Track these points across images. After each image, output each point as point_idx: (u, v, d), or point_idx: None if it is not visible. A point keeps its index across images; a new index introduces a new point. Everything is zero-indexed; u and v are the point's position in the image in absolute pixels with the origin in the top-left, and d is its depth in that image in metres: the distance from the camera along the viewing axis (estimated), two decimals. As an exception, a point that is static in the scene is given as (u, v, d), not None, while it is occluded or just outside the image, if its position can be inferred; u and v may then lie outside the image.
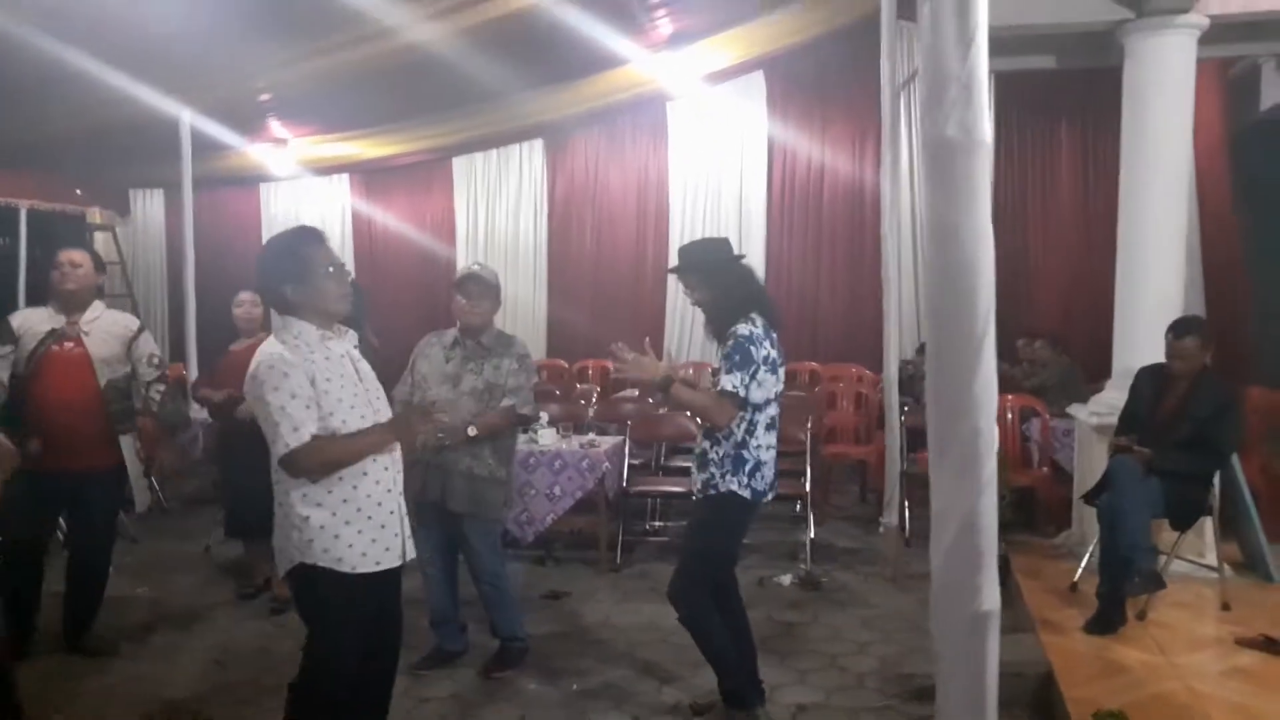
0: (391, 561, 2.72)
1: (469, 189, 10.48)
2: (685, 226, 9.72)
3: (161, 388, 4.22)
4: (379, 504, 2.69)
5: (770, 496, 3.42)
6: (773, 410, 3.36)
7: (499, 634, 4.05)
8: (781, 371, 3.39)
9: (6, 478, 2.85)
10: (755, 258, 9.40)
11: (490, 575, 3.94)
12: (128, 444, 4.12)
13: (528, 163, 10.32)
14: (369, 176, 10.69)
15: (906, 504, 5.57)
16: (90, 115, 7.52)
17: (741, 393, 3.22)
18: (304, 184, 10.71)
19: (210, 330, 8.02)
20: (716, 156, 9.58)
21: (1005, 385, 7.30)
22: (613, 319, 9.72)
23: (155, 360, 4.24)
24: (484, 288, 3.94)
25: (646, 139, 9.89)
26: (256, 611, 4.83)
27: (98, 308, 4.13)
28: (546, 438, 5.51)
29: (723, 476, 3.31)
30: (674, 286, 9.79)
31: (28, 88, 6.70)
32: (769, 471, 3.38)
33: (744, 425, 3.30)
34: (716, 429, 3.30)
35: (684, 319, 9.78)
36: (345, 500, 2.63)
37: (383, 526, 2.69)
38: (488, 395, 3.86)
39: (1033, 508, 6.09)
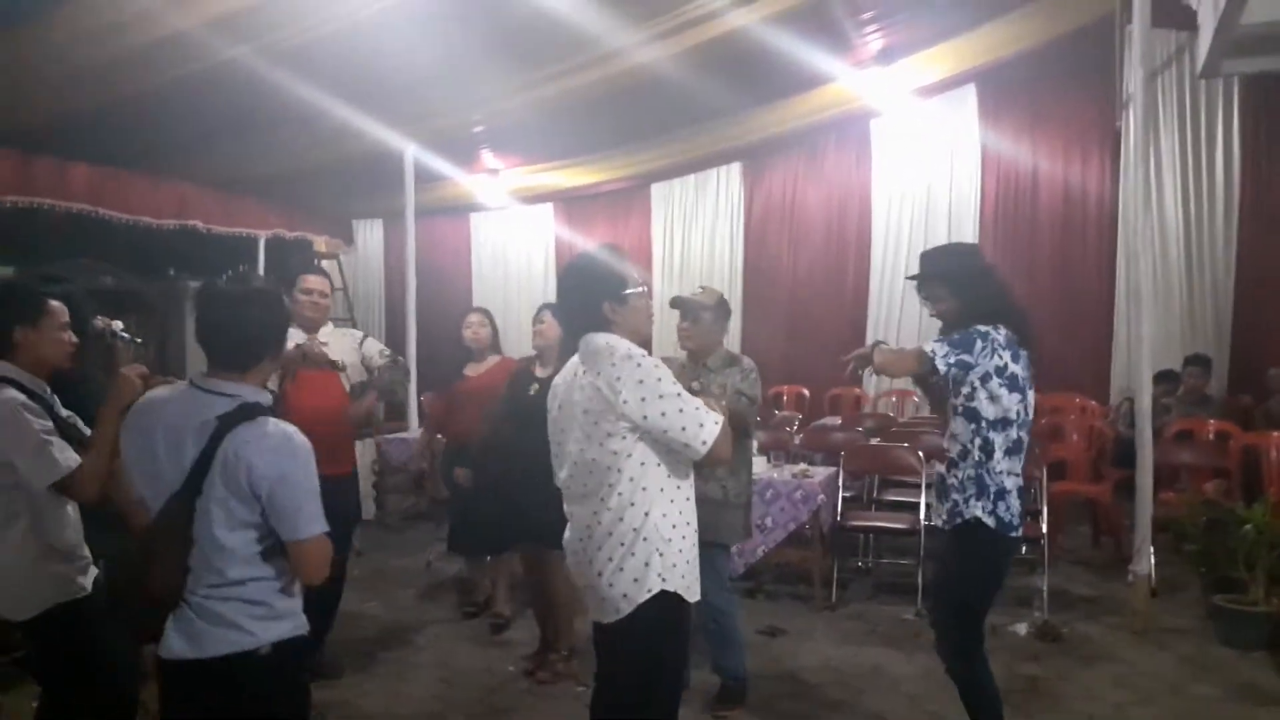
0: (698, 595, 2.62)
1: (666, 213, 10.57)
2: (889, 247, 9.43)
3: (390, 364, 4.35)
4: (695, 539, 2.61)
5: (1018, 531, 3.12)
6: (1014, 434, 3.08)
7: (721, 672, 3.93)
8: (1031, 395, 3.11)
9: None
10: (966, 280, 8.97)
11: (716, 611, 3.81)
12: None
13: (725, 185, 10.29)
14: (571, 204, 10.95)
15: (1153, 550, 5.07)
16: (322, 150, 8.04)
17: (938, 362, 2.98)
18: (511, 213, 11.11)
19: (425, 350, 8.45)
20: (924, 173, 9.22)
21: (1261, 421, 6.68)
22: (810, 343, 9.52)
23: (385, 353, 4.40)
24: (694, 309, 3.86)
25: (849, 157, 9.66)
26: (477, 630, 4.94)
27: (329, 326, 4.36)
28: (757, 466, 5.37)
29: (966, 502, 3.07)
30: (876, 309, 9.51)
31: (266, 123, 7.23)
32: (1014, 502, 3.09)
33: (979, 443, 3.06)
34: (888, 373, 3.06)
35: (885, 340, 9.41)
36: (691, 525, 2.56)
37: (697, 557, 2.61)
38: None
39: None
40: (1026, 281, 8.81)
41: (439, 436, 6.04)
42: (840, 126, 9.46)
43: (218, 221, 8.51)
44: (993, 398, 3.04)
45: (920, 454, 5.53)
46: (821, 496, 5.18)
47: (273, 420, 2.12)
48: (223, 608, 2.08)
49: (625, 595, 2.47)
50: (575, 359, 2.67)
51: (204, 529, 2.06)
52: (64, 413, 2.83)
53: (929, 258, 3.35)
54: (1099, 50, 8.25)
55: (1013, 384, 3.05)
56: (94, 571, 2.80)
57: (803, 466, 5.48)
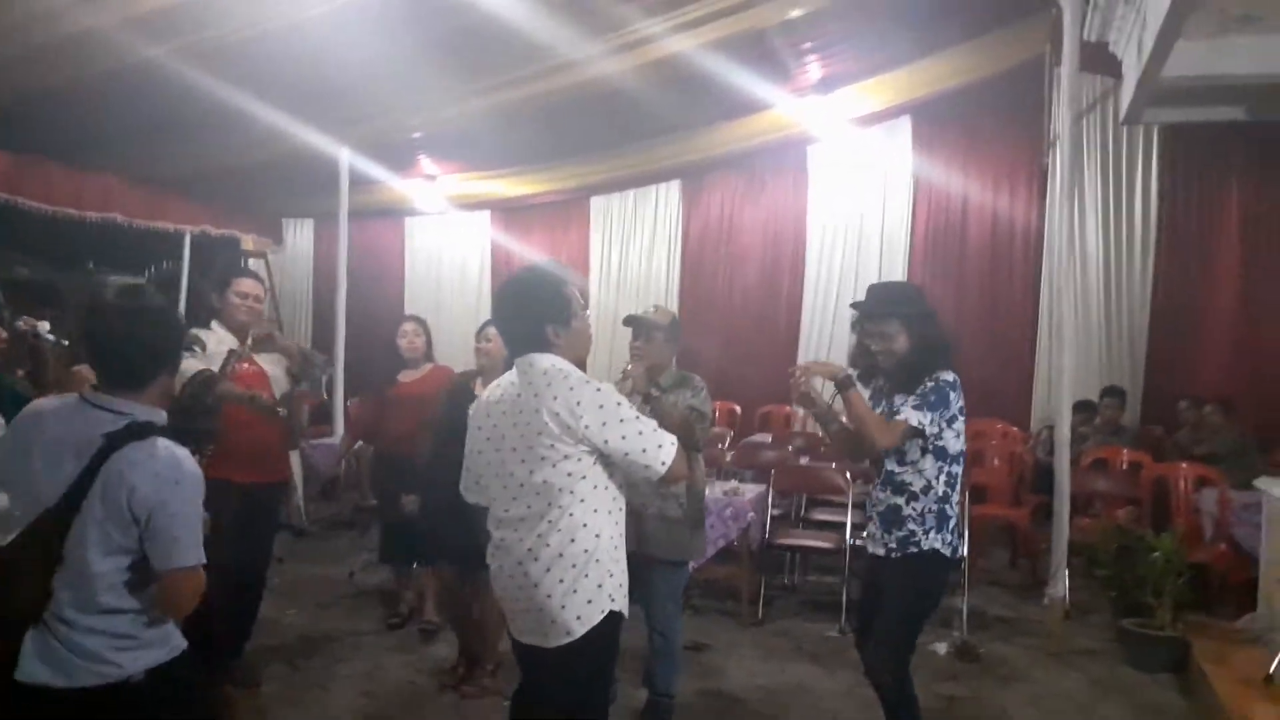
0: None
1: (605, 227, 10.59)
2: (822, 270, 9.60)
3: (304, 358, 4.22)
4: (616, 546, 2.59)
5: (961, 556, 3.22)
6: (963, 464, 3.20)
7: (654, 687, 3.93)
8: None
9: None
10: (895, 305, 9.17)
11: (665, 625, 3.82)
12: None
13: (664, 203, 10.35)
14: (509, 213, 10.91)
15: (1068, 574, 5.24)
16: (253, 149, 7.87)
17: (928, 430, 3.05)
18: (446, 219, 11.01)
19: (353, 354, 8.31)
20: (858, 200, 9.41)
21: (1172, 452, 6.95)
22: (743, 361, 9.61)
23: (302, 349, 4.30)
24: (647, 328, 3.87)
25: (785, 181, 9.80)
26: (402, 641, 4.86)
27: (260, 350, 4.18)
28: (689, 483, 5.41)
29: (925, 533, 3.12)
30: (808, 329, 9.66)
31: (196, 122, 7.05)
32: (960, 528, 3.20)
33: (944, 478, 3.12)
34: (871, 450, 3.12)
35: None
36: (614, 540, 2.55)
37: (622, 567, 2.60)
38: None
39: (1206, 587, 5.64)
40: (954, 309, 9.04)
41: (360, 443, 5.94)
42: (778, 151, 9.60)
43: (142, 215, 8.29)
44: (957, 435, 3.13)
45: (848, 474, 5.62)
46: (751, 514, 5.24)
47: (163, 442, 2.03)
48: (87, 641, 1.99)
49: (579, 617, 2.45)
50: (508, 378, 2.66)
51: (76, 551, 1.97)
52: None
53: (882, 294, 3.37)
54: (1029, 90, 8.51)
55: (964, 420, 3.17)
56: None
57: (734, 484, 5.52)
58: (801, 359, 9.57)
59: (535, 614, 2.50)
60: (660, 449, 2.47)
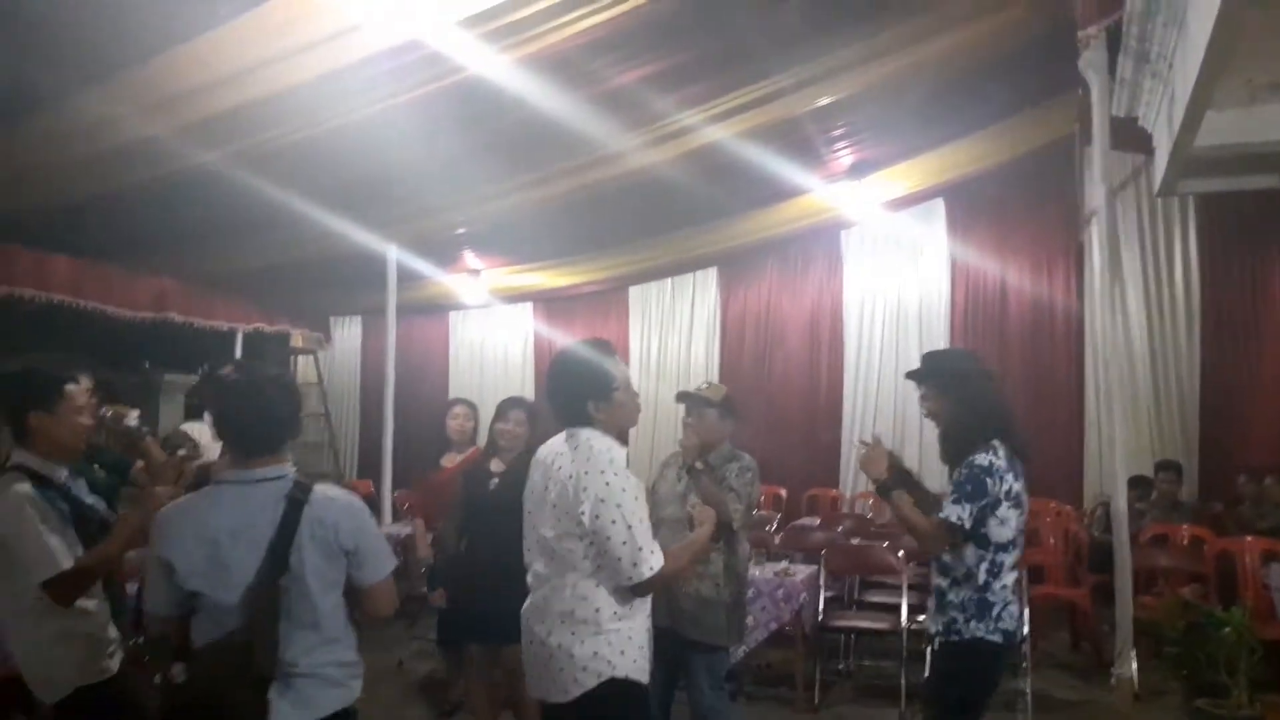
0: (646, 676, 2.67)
1: (644, 316, 10.74)
2: (862, 353, 9.63)
3: None
4: (648, 615, 2.70)
5: (1023, 636, 3.13)
6: (1018, 551, 3.09)
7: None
8: (1026, 506, 3.13)
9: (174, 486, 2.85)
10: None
11: (710, 711, 3.76)
12: None
13: (701, 290, 10.50)
14: (550, 304, 11.11)
15: (1134, 653, 5.07)
16: (302, 248, 8.13)
17: (967, 525, 2.98)
18: (490, 312, 11.23)
19: (400, 446, 8.42)
20: (894, 283, 9.50)
21: (1233, 527, 6.76)
22: (787, 445, 9.56)
23: None
24: (699, 404, 3.91)
25: (821, 266, 9.93)
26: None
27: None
28: (738, 565, 5.35)
29: (966, 622, 3.04)
30: (850, 413, 9.64)
31: (247, 223, 7.32)
32: (1015, 608, 3.11)
33: (986, 566, 3.04)
34: (924, 554, 3.08)
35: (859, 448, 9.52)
36: (637, 611, 2.62)
37: (647, 639, 2.67)
38: None
39: (1279, 665, 5.42)
40: (1001, 390, 9.00)
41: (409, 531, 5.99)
42: (812, 237, 9.76)
43: (195, 314, 8.53)
44: (1002, 522, 3.03)
45: (900, 554, 5.53)
46: (804, 595, 5.16)
47: (324, 485, 2.30)
48: (326, 671, 2.23)
49: (575, 680, 2.54)
50: (559, 439, 2.75)
51: (298, 600, 2.18)
52: (89, 499, 2.82)
53: (928, 358, 3.47)
54: (1060, 169, 8.65)
55: (1017, 503, 3.06)
56: (119, 655, 2.77)
57: (784, 565, 5.45)
58: (844, 451, 9.55)
59: (541, 667, 2.62)
60: (643, 557, 2.51)
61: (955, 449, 3.14)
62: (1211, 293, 8.25)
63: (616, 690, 2.54)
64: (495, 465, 4.27)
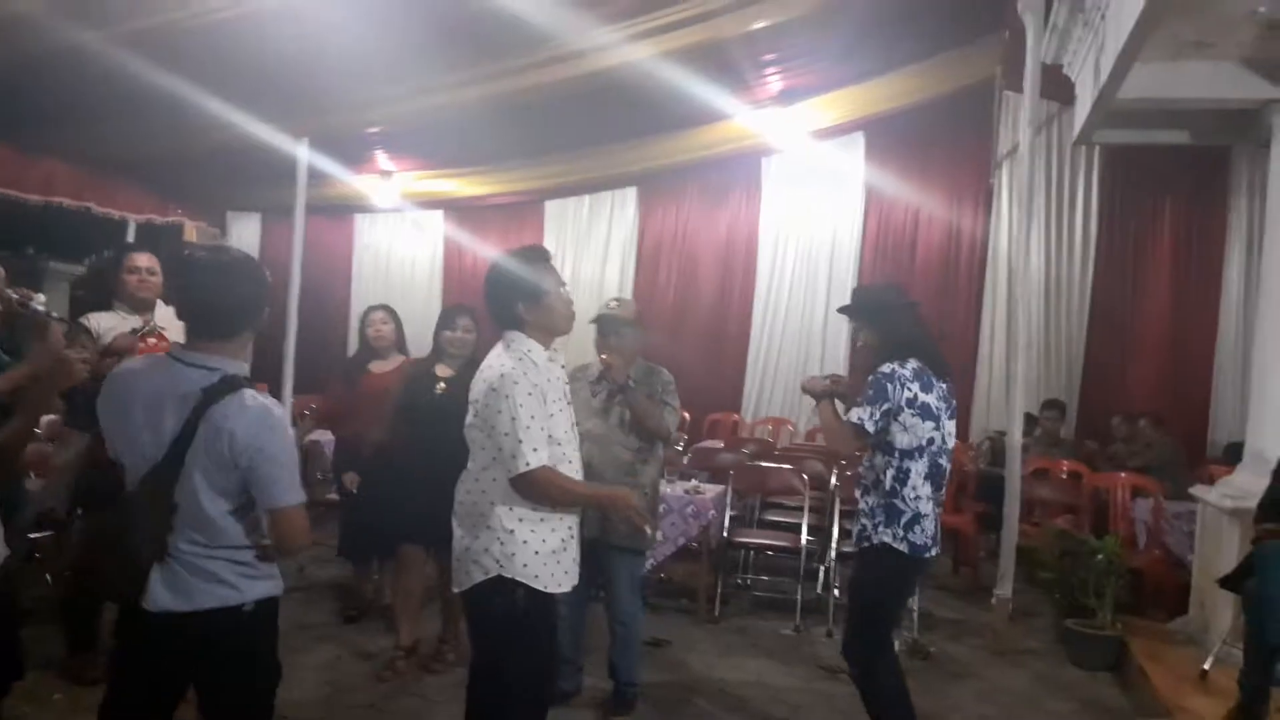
0: (568, 585, 2.73)
1: (559, 232, 10.62)
2: (773, 281, 9.77)
3: None
4: (570, 528, 2.73)
5: (934, 553, 3.31)
6: (929, 461, 3.24)
7: (617, 677, 3.97)
8: (947, 423, 3.28)
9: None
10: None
11: (627, 615, 3.88)
12: None
13: (620, 210, 10.44)
14: (463, 214, 10.88)
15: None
16: (205, 136, 7.71)
17: (868, 426, 3.15)
18: (399, 217, 10.93)
19: (300, 351, 8.18)
20: (810, 212, 9.62)
21: (1106, 465, 7.22)
22: (694, 369, 9.66)
23: None
24: (615, 324, 3.93)
25: (740, 192, 9.97)
26: (361, 631, 4.82)
27: (160, 307, 4.06)
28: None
29: (875, 528, 3.22)
30: (757, 340, 9.81)
31: (142, 105, 6.88)
32: (930, 525, 3.26)
33: (892, 473, 3.20)
34: (838, 455, 3.26)
35: (764, 373, 9.77)
36: (545, 521, 2.66)
37: (566, 551, 2.71)
38: (637, 425, 3.84)
39: (1140, 592, 5.88)
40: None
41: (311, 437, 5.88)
42: (732, 163, 9.77)
43: (87, 200, 8.06)
44: (905, 428, 3.17)
45: (804, 476, 5.72)
46: (711, 512, 5.31)
47: (251, 393, 2.15)
48: (210, 565, 2.14)
49: (467, 572, 2.66)
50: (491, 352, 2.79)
51: (188, 497, 2.11)
52: None
53: (856, 294, 3.63)
54: (977, 111, 8.86)
55: (925, 413, 3.19)
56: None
57: (694, 483, 5.59)
58: (749, 374, 9.76)
59: (454, 559, 2.73)
60: (522, 450, 2.55)
61: (873, 368, 3.29)
62: (1107, 243, 8.65)
63: (504, 590, 2.60)
64: (441, 370, 4.29)
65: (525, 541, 2.61)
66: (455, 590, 2.74)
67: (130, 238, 8.83)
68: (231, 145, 7.89)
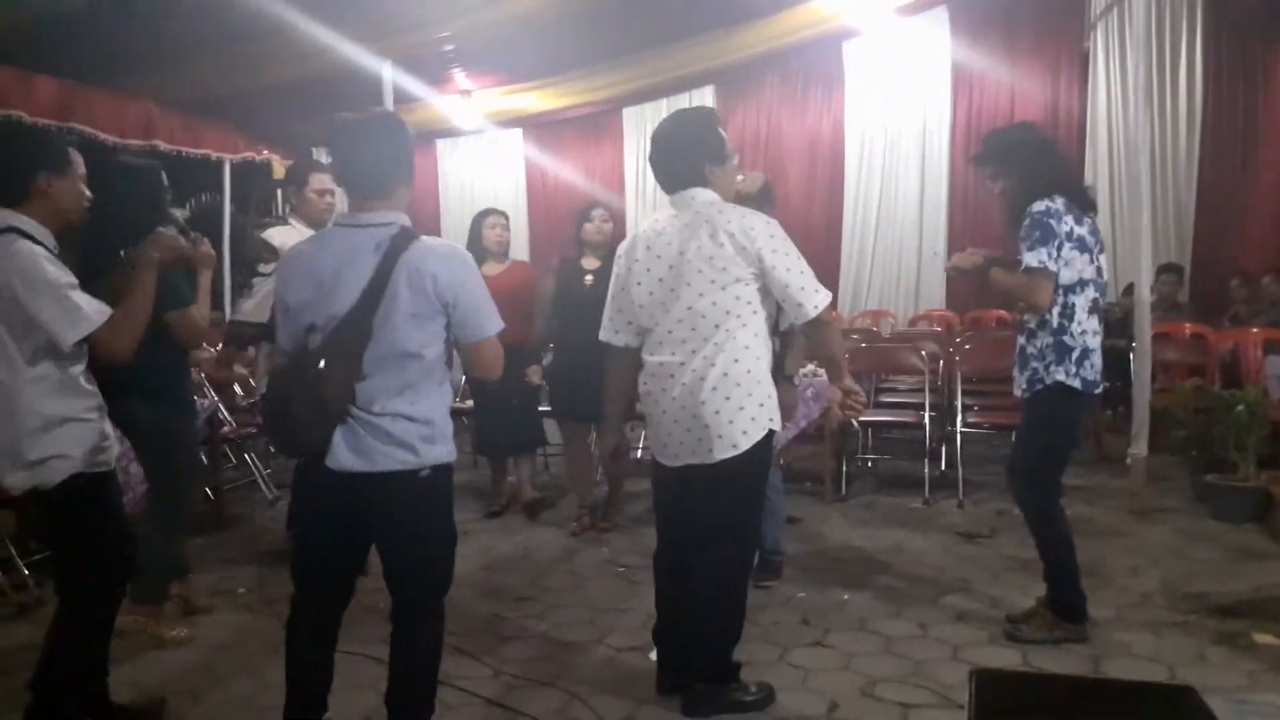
0: None
1: (639, 140, 10.50)
2: (862, 170, 9.55)
3: None
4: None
5: (1101, 388, 3.27)
6: (1092, 293, 3.19)
7: (762, 544, 4.02)
8: (1101, 258, 3.22)
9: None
10: (938, 197, 9.15)
11: (771, 489, 3.92)
12: None
13: (698, 110, 10.24)
14: (541, 131, 10.83)
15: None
16: (291, 65, 7.78)
17: (1051, 266, 3.07)
18: (479, 140, 10.95)
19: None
20: (896, 97, 9.30)
21: (1232, 327, 6.98)
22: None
23: None
24: (740, 199, 3.91)
25: (821, 82, 9.70)
26: (506, 524, 5.01)
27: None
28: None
29: (1047, 369, 3.17)
30: (849, 234, 9.65)
31: (230, 37, 6.98)
32: (1097, 360, 3.22)
33: (1058, 309, 3.15)
34: (1037, 310, 3.16)
35: (859, 268, 9.63)
36: (770, 365, 2.71)
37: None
38: None
39: (1275, 446, 5.72)
40: (999, 201, 9.03)
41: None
42: (811, 52, 9.47)
43: (182, 142, 8.21)
44: (1067, 262, 3.11)
45: (923, 353, 5.67)
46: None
47: (434, 239, 2.26)
48: (394, 427, 2.18)
49: (745, 432, 2.61)
50: (663, 215, 2.74)
51: (388, 340, 2.15)
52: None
53: (986, 140, 3.47)
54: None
55: (1081, 245, 3.14)
56: (114, 451, 2.65)
57: (811, 366, 5.57)
58: (843, 270, 9.61)
59: (700, 431, 2.63)
60: (817, 293, 2.61)
61: (1016, 212, 3.21)
62: (1214, 98, 8.20)
63: (769, 442, 2.68)
64: (588, 262, 4.60)
65: (771, 394, 2.68)
66: (717, 458, 2.62)
67: (226, 180, 9.00)
68: (315, 76, 7.95)
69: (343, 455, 2.17)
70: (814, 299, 2.59)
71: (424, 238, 2.22)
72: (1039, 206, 3.12)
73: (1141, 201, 5.36)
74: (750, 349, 2.61)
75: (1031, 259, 3.08)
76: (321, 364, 2.13)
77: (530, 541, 4.74)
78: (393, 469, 2.18)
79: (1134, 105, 8.24)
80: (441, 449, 2.25)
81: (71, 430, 2.49)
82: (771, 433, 2.66)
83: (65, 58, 6.71)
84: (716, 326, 2.60)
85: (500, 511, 5.16)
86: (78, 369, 2.53)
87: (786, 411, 3.71)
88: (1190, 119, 8.22)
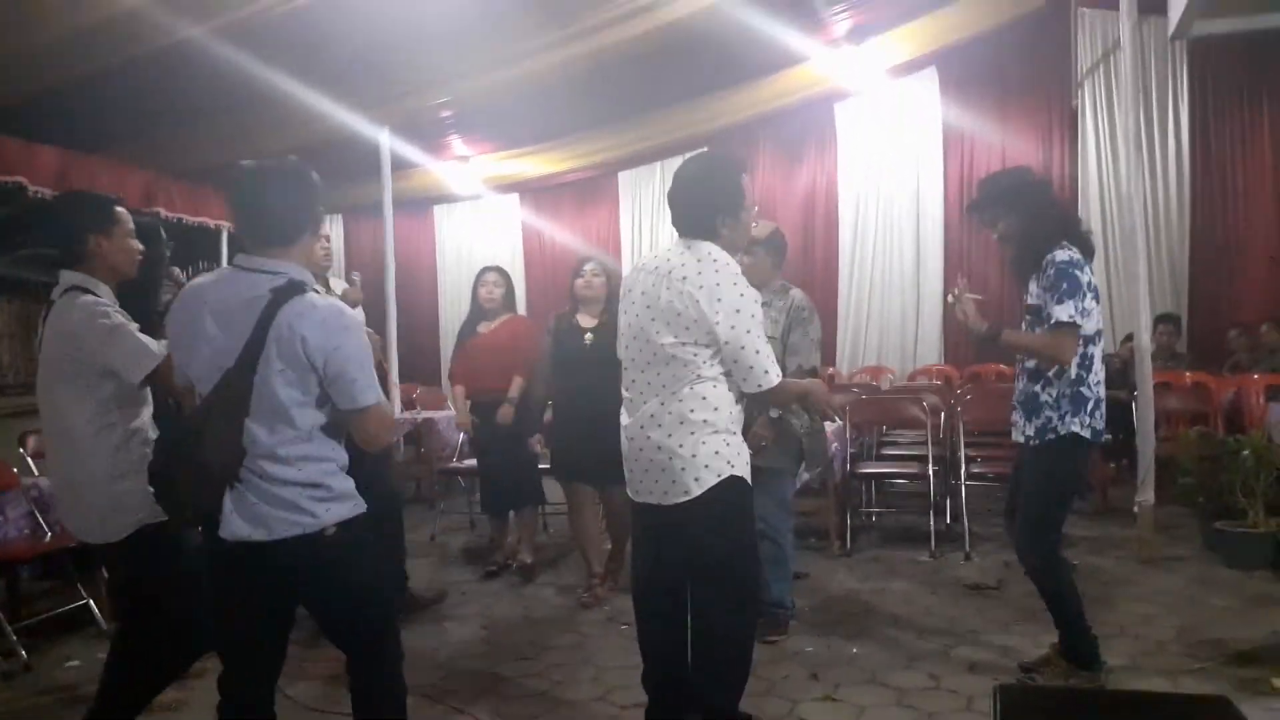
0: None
1: (634, 203, 10.64)
2: (857, 229, 9.66)
3: None
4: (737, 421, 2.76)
5: (1106, 438, 3.24)
6: (1100, 343, 3.18)
7: (769, 597, 3.94)
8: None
9: None
10: (933, 255, 9.22)
11: (775, 532, 3.86)
12: None
13: (693, 174, 10.37)
14: (539, 196, 10.97)
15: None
16: (288, 134, 7.88)
17: (1079, 320, 3.03)
18: (477, 206, 11.06)
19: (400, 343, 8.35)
20: (888, 156, 9.46)
21: (1233, 376, 6.96)
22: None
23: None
24: (750, 244, 3.91)
25: (815, 143, 9.87)
26: (506, 585, 4.91)
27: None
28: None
29: (1061, 419, 3.12)
30: (846, 290, 9.69)
31: (230, 107, 7.07)
32: (1103, 411, 3.18)
33: (1078, 360, 3.11)
34: (1063, 366, 3.11)
35: (856, 326, 9.66)
36: (735, 415, 2.70)
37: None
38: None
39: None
40: (995, 254, 9.08)
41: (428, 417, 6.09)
42: (804, 113, 9.66)
43: (182, 210, 8.28)
44: (1087, 313, 3.07)
45: (924, 405, 5.63)
46: (835, 446, 5.26)
47: (319, 295, 2.13)
48: (284, 492, 2.09)
49: (696, 479, 2.60)
50: (664, 252, 2.73)
51: (265, 400, 2.06)
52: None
53: (982, 186, 3.45)
54: (1051, 33, 8.62)
55: (1096, 295, 3.12)
56: None
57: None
58: (840, 328, 9.63)
59: (656, 474, 2.65)
60: (767, 374, 2.59)
61: (1031, 258, 3.19)
62: (1201, 150, 8.33)
63: (735, 487, 2.63)
64: (584, 320, 4.52)
65: (738, 437, 2.67)
66: (675, 500, 2.63)
67: (224, 247, 9.06)
68: (312, 144, 8.04)
69: (236, 524, 2.08)
70: (761, 379, 2.59)
71: (309, 295, 2.09)
72: (1063, 256, 3.08)
73: (1137, 250, 5.38)
74: (707, 400, 2.60)
75: (1062, 313, 3.03)
76: (202, 426, 2.06)
77: (530, 601, 4.64)
78: (291, 534, 2.08)
79: (1124, 158, 8.35)
80: (342, 506, 2.16)
81: (139, 484, 2.47)
82: (735, 479, 2.62)
83: (66, 127, 6.80)
84: (674, 376, 2.61)
85: (498, 571, 5.05)
86: (142, 420, 2.64)
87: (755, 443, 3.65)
88: (1179, 172, 8.35)
